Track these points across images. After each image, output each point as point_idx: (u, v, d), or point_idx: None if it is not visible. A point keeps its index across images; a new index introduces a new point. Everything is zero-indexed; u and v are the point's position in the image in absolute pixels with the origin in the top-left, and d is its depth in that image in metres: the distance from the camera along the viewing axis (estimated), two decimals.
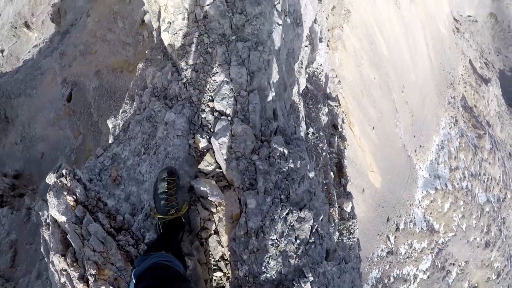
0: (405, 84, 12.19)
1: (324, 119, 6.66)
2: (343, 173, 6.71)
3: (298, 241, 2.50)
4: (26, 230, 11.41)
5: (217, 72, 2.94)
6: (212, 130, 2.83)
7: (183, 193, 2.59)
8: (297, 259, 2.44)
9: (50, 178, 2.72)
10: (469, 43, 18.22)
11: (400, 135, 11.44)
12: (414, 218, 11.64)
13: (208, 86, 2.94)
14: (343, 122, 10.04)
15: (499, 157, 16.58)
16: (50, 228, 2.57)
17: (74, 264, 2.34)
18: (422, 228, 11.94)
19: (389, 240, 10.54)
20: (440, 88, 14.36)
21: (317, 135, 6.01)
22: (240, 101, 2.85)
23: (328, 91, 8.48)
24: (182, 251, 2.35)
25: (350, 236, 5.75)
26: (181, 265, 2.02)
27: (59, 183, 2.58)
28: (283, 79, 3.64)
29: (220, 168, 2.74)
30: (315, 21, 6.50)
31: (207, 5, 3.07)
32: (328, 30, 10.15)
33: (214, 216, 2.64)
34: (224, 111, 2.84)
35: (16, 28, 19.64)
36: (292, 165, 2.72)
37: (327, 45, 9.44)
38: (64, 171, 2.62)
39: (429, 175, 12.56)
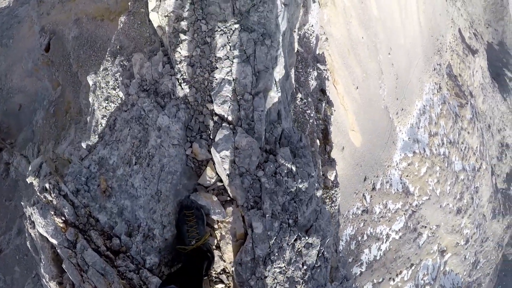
0: (392, 46, 12.08)
1: (313, 83, 6.59)
2: (329, 140, 6.77)
3: (305, 267, 2.45)
4: (5, 186, 11.24)
5: (216, 68, 2.58)
6: (211, 137, 2.56)
7: (203, 222, 2.47)
8: (303, 285, 2.41)
9: (31, 180, 2.57)
10: (460, 12, 18.02)
11: (384, 96, 11.48)
12: (391, 179, 11.91)
13: (206, 84, 2.59)
14: (327, 79, 10.01)
15: (478, 128, 16.91)
16: (39, 241, 2.41)
17: None
18: (397, 190, 12.26)
19: (365, 199, 10.82)
20: (427, 53, 14.31)
21: (305, 101, 5.93)
22: (244, 106, 2.54)
23: (317, 52, 8.36)
24: (201, 282, 2.25)
25: (332, 204, 5.79)
26: None
27: (43, 199, 2.37)
28: (285, 65, 3.28)
29: (221, 181, 2.54)
30: None
31: None
32: None
33: (215, 232, 2.53)
34: (226, 116, 2.54)
35: None
36: (300, 185, 2.56)
37: (318, 2, 9.21)
38: (47, 185, 2.38)
39: (409, 138, 12.77)
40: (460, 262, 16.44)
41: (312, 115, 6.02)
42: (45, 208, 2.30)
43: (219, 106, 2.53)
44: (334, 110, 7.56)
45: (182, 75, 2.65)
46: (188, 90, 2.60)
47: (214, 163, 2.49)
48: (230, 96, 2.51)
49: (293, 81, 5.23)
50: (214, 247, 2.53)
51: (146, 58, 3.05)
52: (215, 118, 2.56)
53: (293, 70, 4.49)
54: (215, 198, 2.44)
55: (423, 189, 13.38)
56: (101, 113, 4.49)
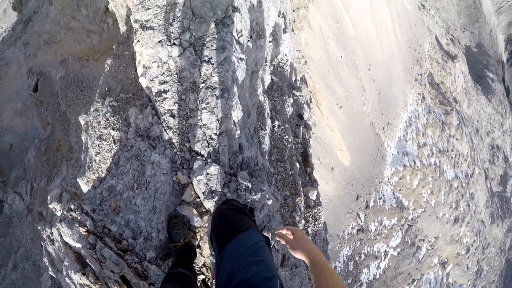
0: (371, 62, 12.33)
1: (289, 110, 6.93)
2: (309, 162, 6.96)
3: None
4: None
5: (191, 117, 3.44)
6: (190, 167, 3.37)
7: (187, 227, 3.27)
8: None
9: (53, 206, 3.47)
10: (435, 20, 18.46)
11: (368, 113, 11.63)
12: (384, 195, 11.92)
13: (184, 129, 3.45)
14: (310, 101, 10.16)
15: (467, 133, 17.06)
16: (63, 249, 3.14)
17: (98, 282, 2.94)
18: (391, 205, 12.25)
19: (359, 217, 10.81)
20: (406, 65, 14.58)
21: (283, 127, 6.31)
22: (211, 143, 3.39)
23: (293, 78, 8.55)
24: (193, 268, 3.08)
25: (316, 223, 6.25)
26: (193, 276, 2.61)
27: (69, 216, 3.14)
28: (246, 106, 4.16)
29: (199, 197, 3.34)
30: (278, 14, 6.57)
31: (178, 56, 3.49)
32: (293, 11, 10.13)
33: (197, 235, 3.30)
34: (199, 151, 3.37)
35: None
36: (254, 197, 3.40)
37: (292, 30, 9.43)
38: (72, 206, 3.19)
39: (398, 152, 12.84)
40: (463, 273, 16.24)
41: (290, 140, 6.26)
42: (71, 222, 3.09)
43: (194, 144, 3.38)
44: (313, 133, 7.74)
45: (166, 123, 3.52)
46: (171, 135, 3.47)
47: (193, 185, 3.32)
48: (201, 137, 3.36)
49: (268, 111, 5.58)
50: (196, 246, 3.31)
51: (139, 111, 3.94)
52: (192, 153, 3.43)
53: (260, 90, 5.11)
54: (195, 211, 3.29)
55: (418, 202, 13.35)
56: (95, 150, 4.83)
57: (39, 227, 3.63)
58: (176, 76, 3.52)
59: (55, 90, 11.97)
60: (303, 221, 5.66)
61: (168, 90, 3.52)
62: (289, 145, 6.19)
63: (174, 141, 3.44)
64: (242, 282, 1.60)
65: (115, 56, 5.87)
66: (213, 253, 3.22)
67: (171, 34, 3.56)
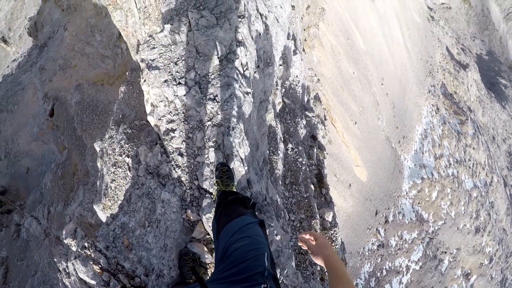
0: (384, 76, 12.30)
1: (302, 132, 6.93)
2: (324, 183, 6.91)
3: None
4: (16, 246, 11.30)
5: (198, 155, 3.41)
6: (199, 204, 3.35)
7: (198, 264, 3.31)
8: None
9: (70, 243, 3.58)
10: (445, 30, 18.41)
11: (383, 127, 11.55)
12: (403, 209, 11.74)
13: (192, 167, 3.43)
14: (325, 119, 10.15)
15: (483, 142, 16.81)
16: (79, 285, 3.24)
17: None
18: (411, 219, 12.06)
19: (379, 233, 10.65)
20: (419, 77, 14.51)
21: (296, 150, 6.31)
22: None
23: (306, 99, 8.56)
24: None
25: (333, 244, 6.15)
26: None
27: (84, 254, 3.23)
28: (254, 139, 4.18)
29: (209, 234, 3.32)
30: (288, 36, 6.60)
31: (184, 95, 3.50)
32: (304, 30, 10.20)
33: (207, 270, 3.30)
34: (208, 189, 3.33)
35: None
36: None
37: (303, 49, 9.46)
38: (86, 244, 3.29)
39: (415, 165, 12.69)
40: (487, 283, 15.82)
41: (304, 162, 6.22)
42: (86, 260, 3.14)
43: (202, 182, 3.31)
44: (327, 154, 7.71)
45: (175, 162, 3.50)
46: (180, 173, 3.44)
47: (202, 222, 3.29)
48: (209, 175, 3.30)
49: (281, 135, 5.59)
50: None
51: (148, 149, 3.94)
52: (201, 191, 3.38)
53: (271, 115, 5.11)
54: (205, 248, 3.26)
55: (437, 214, 13.12)
56: (110, 177, 4.75)
57: (55, 259, 3.74)
58: (183, 115, 3.55)
59: (71, 114, 12.15)
60: None
61: (176, 128, 3.54)
62: (303, 168, 6.16)
63: (183, 179, 3.44)
64: (233, 251, 1.95)
65: (129, 83, 5.93)
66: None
67: (176, 73, 3.59)
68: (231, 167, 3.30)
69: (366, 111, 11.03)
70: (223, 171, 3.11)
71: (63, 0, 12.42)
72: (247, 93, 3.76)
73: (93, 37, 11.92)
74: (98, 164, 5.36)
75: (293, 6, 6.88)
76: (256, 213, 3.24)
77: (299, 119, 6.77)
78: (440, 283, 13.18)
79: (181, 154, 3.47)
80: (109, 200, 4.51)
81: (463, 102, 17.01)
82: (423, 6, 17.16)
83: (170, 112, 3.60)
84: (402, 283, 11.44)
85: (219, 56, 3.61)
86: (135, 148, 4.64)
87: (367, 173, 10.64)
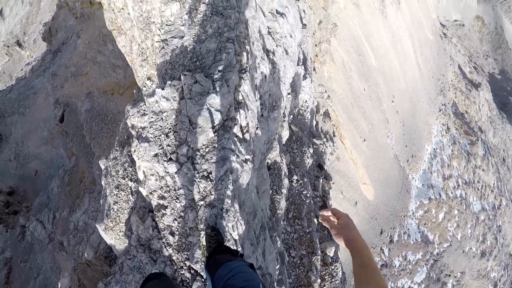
0: (395, 94, 12.23)
1: (308, 162, 6.80)
2: None
3: None
4: (20, 248, 11.37)
5: (190, 235, 3.23)
6: (190, 285, 3.22)
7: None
8: None
9: None
10: (457, 48, 18.31)
11: (392, 145, 11.45)
12: (408, 229, 11.57)
13: (184, 247, 3.26)
14: (333, 135, 10.09)
15: (493, 163, 16.55)
16: None
17: None
18: (416, 240, 11.86)
19: (383, 252, 10.48)
20: (430, 95, 14.40)
21: (301, 181, 6.18)
22: None
23: (314, 123, 8.49)
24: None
25: (332, 280, 5.99)
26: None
27: None
28: (252, 207, 4.02)
29: None
30: (298, 62, 6.53)
31: (175, 172, 3.26)
32: (316, 45, 10.21)
33: None
34: (199, 271, 3.21)
35: (8, 46, 19.77)
36: None
37: (313, 69, 9.40)
38: None
39: (422, 185, 12.52)
40: None
41: (308, 195, 6.09)
42: None
43: (193, 264, 3.17)
44: (333, 183, 7.61)
45: (166, 239, 3.34)
46: (171, 251, 3.29)
47: None
48: (201, 257, 3.15)
49: (285, 169, 5.47)
50: None
51: (140, 220, 3.79)
52: (192, 272, 3.22)
53: (277, 151, 4.97)
54: None
55: (443, 236, 12.89)
56: (113, 199, 4.73)
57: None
58: (174, 192, 3.32)
59: (81, 122, 12.24)
60: (319, 280, 5.50)
61: (167, 206, 3.35)
62: (307, 201, 6.04)
63: (174, 258, 3.28)
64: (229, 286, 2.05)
65: (135, 102, 5.89)
66: None
67: (168, 147, 3.35)
68: (220, 232, 3.16)
69: (375, 129, 10.95)
70: (211, 236, 3.04)
71: (77, 8, 12.62)
72: (246, 160, 3.54)
73: (105, 46, 12.05)
74: (103, 183, 5.37)
75: (304, 25, 6.86)
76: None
77: (306, 148, 6.66)
78: None
79: (172, 233, 3.30)
80: (111, 221, 4.56)
81: (474, 122, 16.83)
82: (435, 23, 17.11)
83: (161, 187, 3.40)
84: None
85: (214, 126, 3.31)
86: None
87: (374, 191, 10.53)
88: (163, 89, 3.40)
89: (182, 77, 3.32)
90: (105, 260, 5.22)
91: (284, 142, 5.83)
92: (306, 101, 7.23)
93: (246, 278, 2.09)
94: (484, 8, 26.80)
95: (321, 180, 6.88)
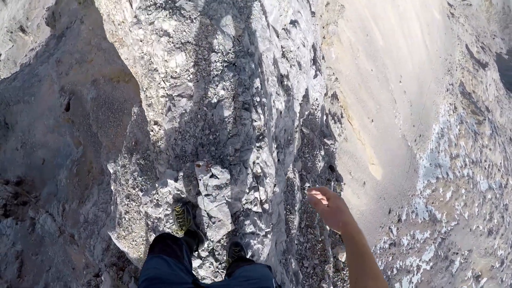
0: (402, 74, 12.13)
1: (320, 165, 6.77)
2: None
3: None
4: (31, 240, 11.44)
5: None
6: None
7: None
8: None
9: None
10: (465, 28, 18.02)
11: (400, 125, 11.43)
12: (416, 208, 11.65)
13: None
14: (341, 116, 10.07)
15: (500, 143, 16.50)
16: None
17: None
18: (424, 218, 11.96)
19: (392, 231, 10.59)
20: (437, 75, 14.27)
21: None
22: None
23: (324, 120, 8.40)
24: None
25: (344, 285, 6.06)
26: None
27: None
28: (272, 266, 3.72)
29: None
30: (309, 62, 6.27)
31: (198, 266, 3.06)
32: (323, 27, 10.09)
33: None
34: None
35: (12, 32, 19.59)
36: None
37: (322, 58, 9.25)
38: None
39: (430, 164, 12.54)
40: (497, 286, 15.63)
41: None
42: None
43: None
44: (344, 184, 7.64)
45: None
46: None
47: None
48: None
49: (298, 183, 5.40)
50: None
51: None
52: None
53: (289, 173, 4.77)
54: None
55: (451, 214, 12.98)
56: (124, 208, 4.61)
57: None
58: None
59: (87, 110, 12.14)
60: (331, 287, 5.55)
61: None
62: None
63: None
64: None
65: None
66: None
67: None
68: (243, 247, 3.03)
69: (383, 109, 10.91)
70: (235, 251, 2.92)
71: None
72: (266, 234, 3.33)
73: None
74: (112, 188, 5.27)
75: (313, 13, 6.69)
76: None
77: (317, 151, 6.60)
78: (450, 284, 13.09)
79: None
80: (123, 230, 4.49)
81: (481, 102, 16.71)
82: (443, 3, 16.82)
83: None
84: (412, 282, 11.39)
85: (233, 215, 3.10)
86: (148, 182, 4.41)
87: (382, 171, 10.57)
88: (176, 181, 3.10)
89: (196, 169, 2.98)
90: None
91: (295, 152, 5.67)
92: (316, 99, 7.05)
93: (260, 271, 2.12)
94: None
95: (332, 183, 6.94)
